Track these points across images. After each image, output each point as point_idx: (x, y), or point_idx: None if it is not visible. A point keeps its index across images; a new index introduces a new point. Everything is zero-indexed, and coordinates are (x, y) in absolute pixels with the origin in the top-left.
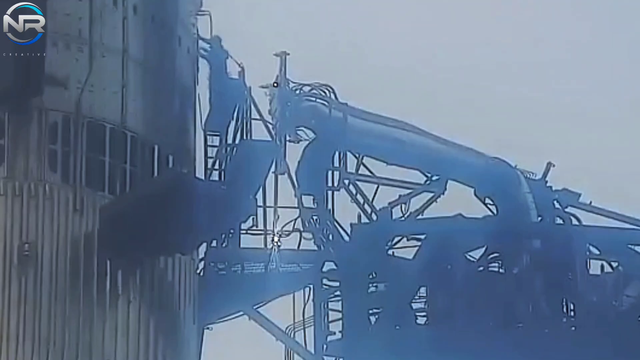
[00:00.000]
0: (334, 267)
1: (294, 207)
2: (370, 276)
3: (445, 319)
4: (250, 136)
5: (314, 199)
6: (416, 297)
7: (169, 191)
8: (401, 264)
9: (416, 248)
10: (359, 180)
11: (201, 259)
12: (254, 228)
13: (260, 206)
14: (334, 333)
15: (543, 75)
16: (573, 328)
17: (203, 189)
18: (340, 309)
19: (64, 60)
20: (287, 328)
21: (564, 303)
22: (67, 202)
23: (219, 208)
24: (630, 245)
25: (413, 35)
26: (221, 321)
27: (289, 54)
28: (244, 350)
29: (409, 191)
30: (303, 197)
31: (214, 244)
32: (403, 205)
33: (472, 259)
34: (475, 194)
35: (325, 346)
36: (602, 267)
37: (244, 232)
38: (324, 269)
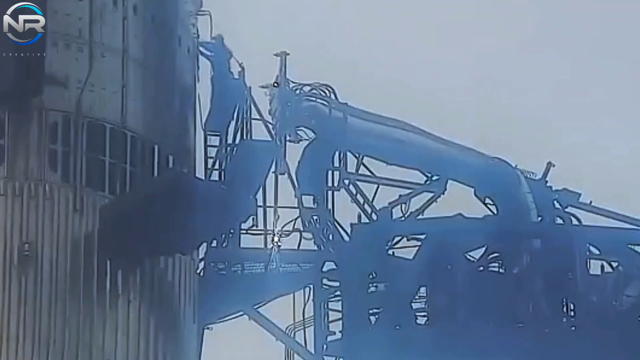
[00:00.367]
0: (334, 267)
1: (294, 207)
2: (370, 276)
3: (446, 319)
4: (250, 136)
5: (314, 199)
6: (416, 297)
7: (169, 191)
8: (401, 264)
9: (416, 248)
10: (359, 180)
11: (201, 259)
12: (254, 228)
13: (260, 206)
14: (334, 333)
15: (543, 75)
16: (573, 328)
17: (203, 189)
18: (340, 309)
19: (64, 60)
20: (287, 328)
21: (564, 303)
22: (67, 202)
23: (219, 208)
24: (630, 245)
25: (413, 35)
26: (221, 321)
27: (289, 54)
28: (244, 350)
29: (409, 191)
30: (303, 197)
31: (214, 244)
32: (403, 205)
33: (472, 259)
34: (475, 194)
35: (325, 346)
36: (602, 267)
37: (244, 232)
38: (324, 269)
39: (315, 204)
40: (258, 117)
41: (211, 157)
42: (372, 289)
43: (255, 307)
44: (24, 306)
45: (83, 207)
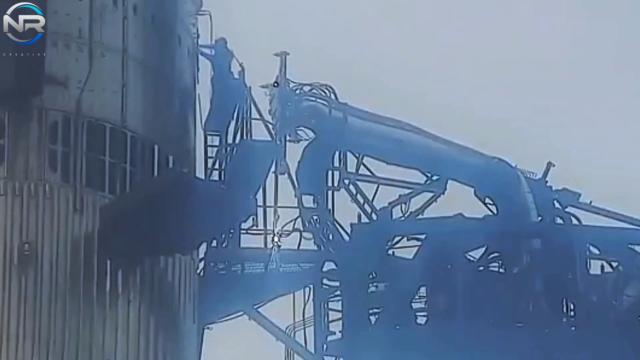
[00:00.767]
0: (334, 267)
1: (294, 207)
2: (370, 276)
3: (446, 318)
4: (250, 136)
5: (314, 199)
6: (416, 297)
7: (169, 191)
8: (401, 264)
9: (416, 248)
10: (359, 180)
11: (201, 259)
12: (254, 228)
13: (260, 206)
14: (334, 333)
15: (543, 75)
16: (573, 328)
17: (203, 189)
18: (340, 309)
19: (64, 60)
20: (287, 328)
21: (564, 303)
22: (67, 202)
23: (219, 208)
24: (630, 245)
25: (413, 35)
26: (221, 321)
27: (289, 54)
28: (244, 350)
29: (409, 191)
30: (303, 197)
31: (214, 244)
32: (403, 205)
33: (472, 259)
34: (475, 194)
35: (325, 346)
36: (602, 267)
37: (244, 232)
38: (324, 269)
39: (315, 204)
40: (258, 117)
41: (211, 157)
42: (372, 288)
43: (255, 307)
44: (24, 306)
45: (83, 207)
